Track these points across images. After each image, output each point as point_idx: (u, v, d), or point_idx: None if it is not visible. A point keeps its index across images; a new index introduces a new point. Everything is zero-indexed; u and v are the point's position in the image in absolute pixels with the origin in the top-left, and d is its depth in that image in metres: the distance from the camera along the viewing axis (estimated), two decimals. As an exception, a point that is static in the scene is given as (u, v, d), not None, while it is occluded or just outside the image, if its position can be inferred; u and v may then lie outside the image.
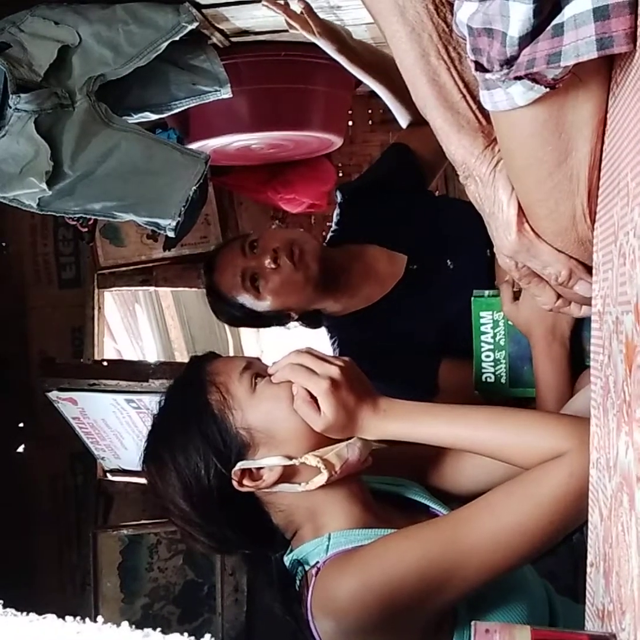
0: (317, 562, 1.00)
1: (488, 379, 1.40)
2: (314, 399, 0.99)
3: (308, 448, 1.01)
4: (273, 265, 1.62)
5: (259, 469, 1.01)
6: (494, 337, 1.38)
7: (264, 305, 1.66)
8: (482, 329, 1.37)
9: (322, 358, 1.02)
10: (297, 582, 1.02)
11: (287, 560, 1.06)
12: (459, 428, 1.00)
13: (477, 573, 0.94)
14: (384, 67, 1.67)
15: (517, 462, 0.98)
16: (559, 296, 0.88)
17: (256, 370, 1.06)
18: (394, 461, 1.19)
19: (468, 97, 0.74)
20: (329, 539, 1.01)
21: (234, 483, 1.01)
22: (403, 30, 0.73)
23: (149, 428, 1.12)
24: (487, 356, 1.38)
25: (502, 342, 1.37)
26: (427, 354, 1.60)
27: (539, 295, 0.89)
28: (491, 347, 1.37)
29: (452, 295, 1.62)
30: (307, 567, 1.01)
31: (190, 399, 1.06)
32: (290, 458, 1.01)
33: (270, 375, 1.05)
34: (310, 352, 1.03)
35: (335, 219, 1.86)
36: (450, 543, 0.94)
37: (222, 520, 1.06)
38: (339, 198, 1.85)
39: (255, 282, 1.65)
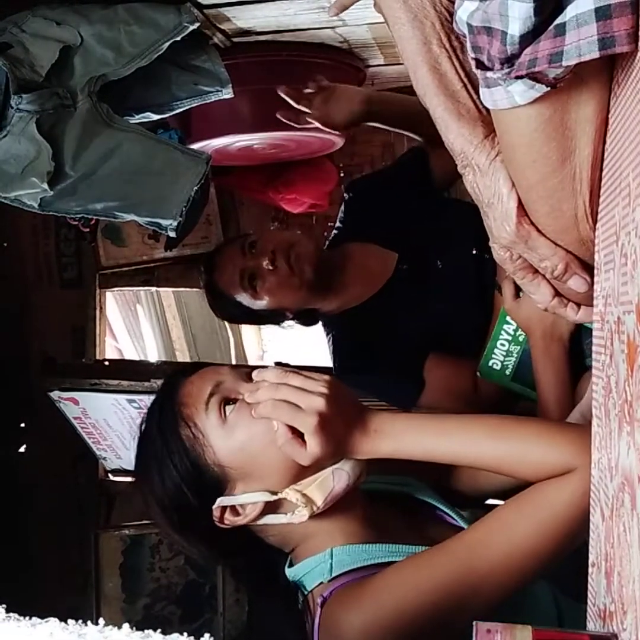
0: (322, 582, 0.97)
1: (494, 366, 1.42)
2: (296, 431, 0.92)
3: (290, 480, 0.96)
4: (270, 267, 1.66)
5: (240, 504, 0.97)
6: (515, 330, 1.39)
7: (260, 304, 1.70)
8: (508, 319, 1.37)
9: (303, 388, 0.92)
10: (300, 601, 0.99)
11: (288, 573, 1.03)
12: (458, 444, 0.94)
13: (492, 597, 0.91)
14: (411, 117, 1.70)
15: (523, 477, 0.95)
16: (554, 295, 0.88)
17: (225, 393, 0.98)
18: (400, 460, 1.18)
19: (469, 86, 0.74)
20: (332, 556, 0.97)
21: (215, 520, 0.96)
22: (405, 17, 0.73)
23: (136, 443, 1.08)
24: (502, 345, 1.40)
25: (521, 339, 1.39)
26: (415, 349, 1.62)
27: (533, 293, 0.88)
28: (509, 338, 1.39)
29: (440, 294, 1.65)
30: (309, 586, 0.98)
31: (164, 431, 1.00)
32: (272, 493, 0.96)
33: (242, 398, 0.97)
34: (287, 383, 0.93)
35: (340, 215, 1.87)
36: (465, 571, 0.91)
37: (209, 546, 1.02)
38: (345, 196, 1.87)
39: (253, 282, 1.68)
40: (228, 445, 0.96)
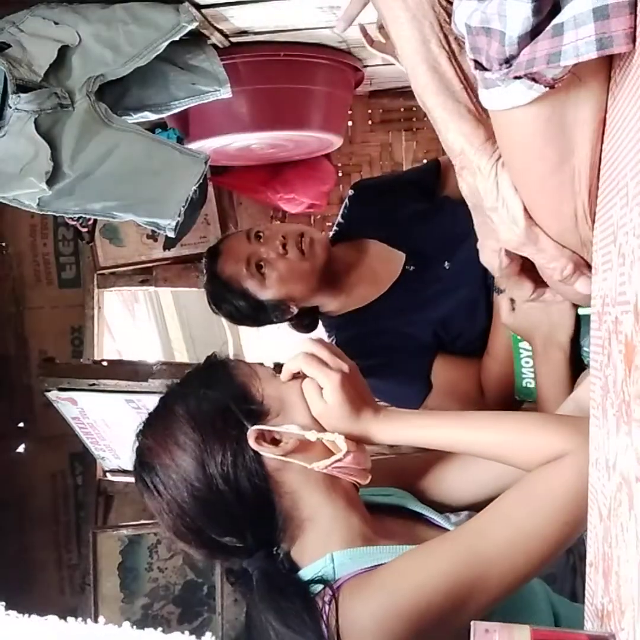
0: (325, 587, 0.97)
1: (528, 385, 1.41)
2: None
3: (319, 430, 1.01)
4: (281, 251, 1.62)
5: (273, 439, 1.00)
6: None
7: (267, 293, 1.65)
8: (519, 336, 1.37)
9: (335, 353, 1.03)
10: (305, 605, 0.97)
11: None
12: (459, 430, 1.00)
13: (501, 583, 0.92)
14: None
15: (519, 463, 0.97)
16: (534, 289, 0.89)
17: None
18: (381, 471, 1.18)
19: (468, 89, 0.74)
20: (333, 560, 0.99)
21: (250, 440, 0.98)
22: (404, 16, 0.73)
23: (148, 416, 1.08)
24: (526, 362, 1.39)
25: None
26: (421, 351, 1.61)
27: (517, 290, 0.90)
28: (530, 354, 1.37)
29: (447, 295, 1.63)
30: (314, 591, 0.97)
31: (212, 375, 1.06)
32: (307, 429, 1.00)
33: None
34: (323, 343, 1.04)
35: (342, 211, 1.85)
36: (471, 556, 0.92)
37: (229, 498, 1.00)
38: (350, 193, 1.85)
39: (260, 268, 1.64)
40: (277, 387, 1.04)
